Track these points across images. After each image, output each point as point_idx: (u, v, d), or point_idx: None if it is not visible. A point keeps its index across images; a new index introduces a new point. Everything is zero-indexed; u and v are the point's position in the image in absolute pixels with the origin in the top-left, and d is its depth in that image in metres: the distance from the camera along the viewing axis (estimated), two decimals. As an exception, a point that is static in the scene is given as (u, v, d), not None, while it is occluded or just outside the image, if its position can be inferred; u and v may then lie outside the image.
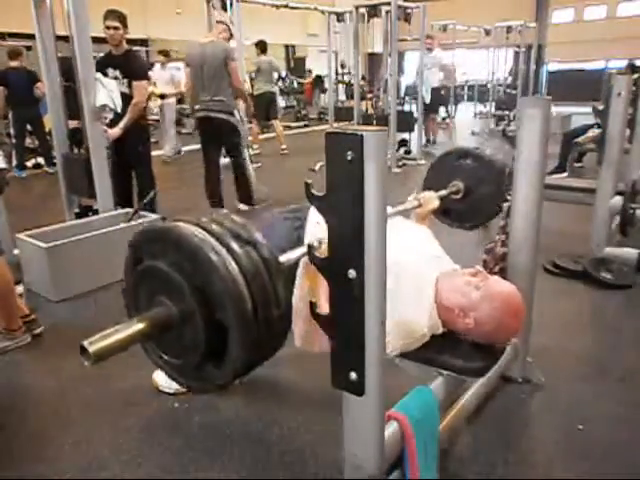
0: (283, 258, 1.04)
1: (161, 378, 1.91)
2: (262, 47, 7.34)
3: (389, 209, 1.52)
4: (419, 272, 1.47)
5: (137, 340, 0.90)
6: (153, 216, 3.25)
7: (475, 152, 2.02)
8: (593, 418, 1.75)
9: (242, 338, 0.87)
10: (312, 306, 1.02)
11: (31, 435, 1.74)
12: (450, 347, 1.44)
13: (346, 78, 11.78)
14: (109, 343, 0.84)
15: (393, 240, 1.51)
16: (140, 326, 0.90)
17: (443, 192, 1.90)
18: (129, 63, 3.53)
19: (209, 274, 0.86)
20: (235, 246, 0.88)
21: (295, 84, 13.88)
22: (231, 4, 6.56)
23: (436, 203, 1.82)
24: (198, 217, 0.95)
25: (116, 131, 3.42)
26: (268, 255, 0.91)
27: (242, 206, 4.41)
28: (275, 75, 10.85)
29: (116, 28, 3.41)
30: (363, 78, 12.14)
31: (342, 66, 11.62)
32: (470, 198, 1.96)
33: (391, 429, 1.19)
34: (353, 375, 1.00)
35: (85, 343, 0.81)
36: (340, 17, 8.19)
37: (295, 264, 1.15)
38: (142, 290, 0.99)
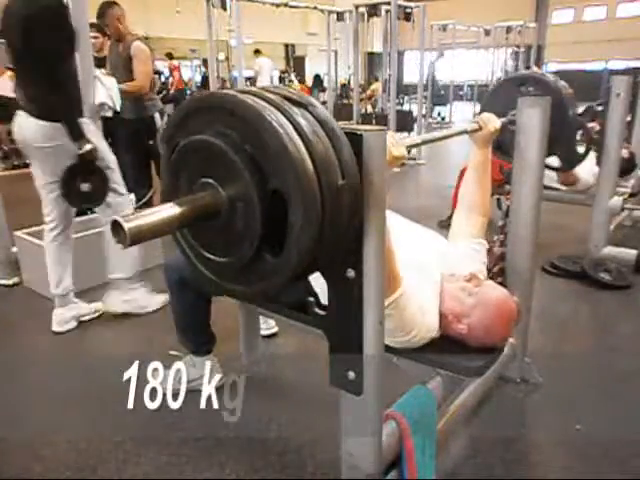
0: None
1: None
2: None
3: (447, 130, 1.47)
4: (432, 275, 1.47)
5: (178, 224, 0.79)
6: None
7: (538, 77, 1.88)
8: (591, 418, 1.75)
9: (305, 210, 0.75)
10: (311, 305, 1.02)
11: (28, 434, 1.73)
12: (449, 347, 1.44)
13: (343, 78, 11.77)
14: (147, 223, 0.73)
15: (409, 240, 1.51)
16: (184, 208, 0.77)
17: (503, 119, 1.74)
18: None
19: (262, 136, 0.75)
20: (290, 107, 0.78)
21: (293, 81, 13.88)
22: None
23: (497, 123, 1.67)
24: (237, 89, 0.85)
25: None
26: (325, 117, 0.81)
27: None
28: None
29: (95, 37, 3.64)
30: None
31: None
32: None
33: (389, 428, 1.19)
34: (351, 374, 1.00)
35: (119, 219, 0.70)
36: (340, 16, 8.18)
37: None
38: (183, 177, 0.85)
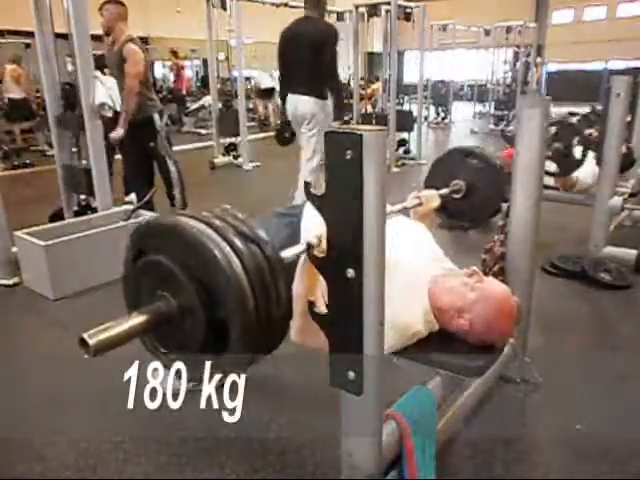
0: (283, 254, 1.04)
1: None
2: None
3: (390, 207, 1.52)
4: (415, 272, 1.46)
5: (137, 333, 0.91)
6: (151, 214, 3.24)
7: (477, 151, 2.03)
8: (591, 418, 1.75)
9: (242, 338, 0.88)
10: (310, 305, 1.02)
11: (28, 434, 1.74)
12: (448, 346, 1.44)
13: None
14: (109, 336, 0.85)
15: (390, 239, 1.51)
16: (141, 319, 0.90)
17: (445, 190, 1.91)
18: None
19: (213, 272, 0.86)
20: (239, 244, 0.88)
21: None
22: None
23: (437, 202, 1.81)
24: (201, 212, 0.94)
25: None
26: (272, 254, 0.91)
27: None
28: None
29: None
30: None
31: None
32: (471, 197, 1.97)
33: (389, 428, 1.19)
34: (351, 374, 1.00)
35: (85, 335, 0.82)
36: (340, 16, 8.18)
37: (293, 261, 1.15)
38: (143, 284, 0.98)
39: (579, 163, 2.91)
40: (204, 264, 0.87)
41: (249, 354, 0.93)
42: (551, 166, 2.91)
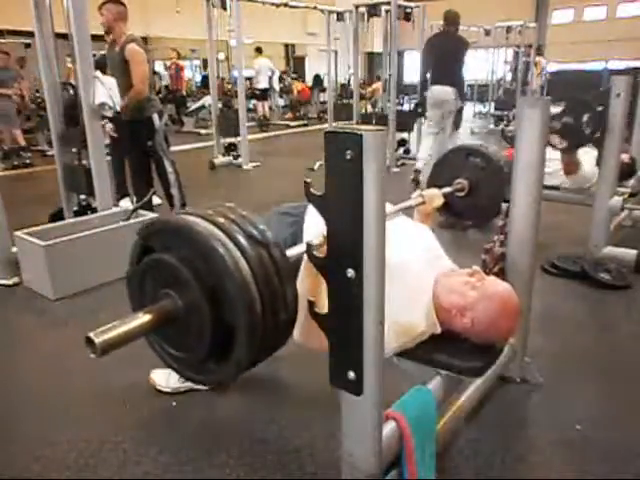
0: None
1: (159, 378, 1.91)
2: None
3: (393, 207, 1.52)
4: (417, 272, 1.47)
5: (143, 332, 0.90)
6: (151, 215, 3.24)
7: (480, 149, 2.02)
8: (591, 418, 1.75)
9: (249, 340, 0.87)
10: (311, 305, 1.02)
11: (28, 434, 1.74)
12: (448, 347, 1.44)
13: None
14: (115, 335, 0.84)
15: (393, 239, 1.51)
16: (146, 318, 0.89)
17: (447, 189, 1.90)
18: None
19: (221, 274, 0.85)
20: (248, 247, 0.88)
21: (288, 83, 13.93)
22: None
23: (440, 201, 1.81)
24: (210, 211, 0.93)
25: None
26: (280, 258, 0.91)
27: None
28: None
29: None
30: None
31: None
32: (475, 195, 1.96)
33: (389, 428, 1.19)
34: (351, 374, 1.01)
35: (91, 335, 0.81)
36: (340, 16, 8.18)
37: (296, 260, 1.15)
38: (149, 281, 0.97)
39: (589, 138, 2.91)
40: (213, 267, 0.86)
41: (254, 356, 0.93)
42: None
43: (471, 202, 1.98)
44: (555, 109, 2.88)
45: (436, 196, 1.80)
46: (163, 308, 0.92)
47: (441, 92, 5.18)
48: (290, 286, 0.92)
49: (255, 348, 0.89)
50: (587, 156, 3.20)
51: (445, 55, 5.22)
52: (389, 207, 1.47)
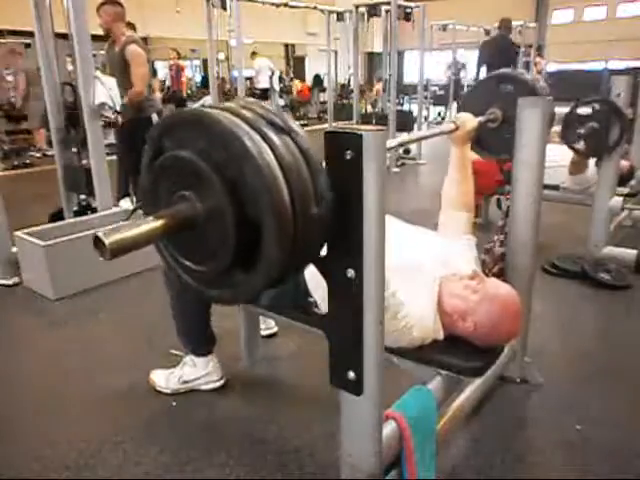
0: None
1: (159, 378, 1.91)
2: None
3: (423, 132, 1.48)
4: (425, 276, 1.47)
5: (156, 236, 0.81)
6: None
7: (516, 76, 1.89)
8: (591, 418, 1.75)
9: (277, 235, 0.77)
10: (310, 305, 1.02)
11: (28, 434, 1.74)
12: (448, 347, 1.44)
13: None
14: (127, 237, 0.76)
15: (403, 241, 1.51)
16: (160, 222, 0.80)
17: (481, 118, 1.76)
18: None
19: (242, 162, 0.76)
20: (271, 134, 0.79)
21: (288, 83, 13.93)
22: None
23: (474, 123, 1.69)
24: (227, 105, 0.85)
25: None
26: (306, 146, 0.82)
27: None
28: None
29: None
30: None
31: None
32: (508, 127, 1.78)
33: (389, 428, 1.18)
34: (351, 374, 1.00)
35: (100, 234, 0.74)
36: (340, 16, 8.18)
37: None
38: (163, 186, 0.87)
39: (615, 145, 2.81)
40: (233, 155, 0.77)
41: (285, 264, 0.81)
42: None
43: (505, 134, 1.79)
44: (584, 110, 2.81)
45: (469, 120, 1.68)
46: (179, 211, 0.82)
47: None
48: (321, 176, 0.82)
49: (286, 248, 0.78)
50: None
51: (498, 54, 6.35)
52: (419, 132, 1.42)
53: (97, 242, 0.73)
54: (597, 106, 2.78)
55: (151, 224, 0.79)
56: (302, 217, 0.79)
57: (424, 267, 1.49)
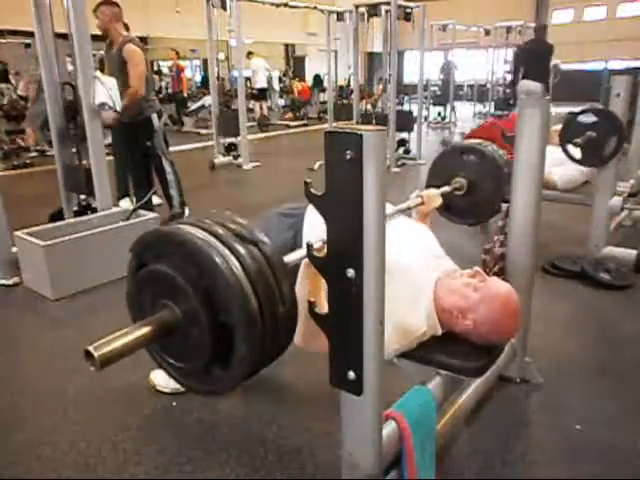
0: (286, 259, 1.04)
1: (159, 378, 1.90)
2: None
3: (391, 207, 1.52)
4: (418, 273, 1.47)
5: (143, 344, 0.90)
6: (150, 215, 3.25)
7: (477, 148, 2.01)
8: (591, 418, 1.75)
9: (248, 336, 0.87)
10: (311, 305, 1.02)
11: (28, 434, 1.74)
12: (448, 347, 1.44)
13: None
14: (115, 348, 0.83)
15: (394, 240, 1.51)
16: (145, 330, 0.89)
17: (446, 188, 1.90)
18: None
19: (213, 276, 0.86)
20: (238, 246, 0.88)
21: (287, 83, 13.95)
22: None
23: (439, 201, 1.81)
24: (199, 219, 0.94)
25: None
26: (271, 253, 0.91)
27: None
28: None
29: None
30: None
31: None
32: (473, 194, 1.95)
33: (389, 428, 1.19)
34: (351, 374, 1.00)
35: (90, 348, 0.80)
36: (340, 16, 8.19)
37: (297, 265, 1.15)
38: (146, 294, 0.98)
39: (611, 156, 2.81)
40: (204, 270, 0.87)
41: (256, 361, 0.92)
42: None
43: (471, 200, 1.97)
44: (588, 118, 2.80)
45: (435, 197, 1.80)
46: (162, 319, 0.92)
47: (530, 85, 6.49)
48: (285, 280, 0.92)
49: (256, 345, 0.88)
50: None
51: (533, 57, 6.74)
52: (389, 208, 1.47)
53: (87, 354, 0.80)
54: (595, 117, 2.80)
55: (137, 332, 0.88)
56: (270, 318, 0.88)
57: (417, 265, 1.48)
